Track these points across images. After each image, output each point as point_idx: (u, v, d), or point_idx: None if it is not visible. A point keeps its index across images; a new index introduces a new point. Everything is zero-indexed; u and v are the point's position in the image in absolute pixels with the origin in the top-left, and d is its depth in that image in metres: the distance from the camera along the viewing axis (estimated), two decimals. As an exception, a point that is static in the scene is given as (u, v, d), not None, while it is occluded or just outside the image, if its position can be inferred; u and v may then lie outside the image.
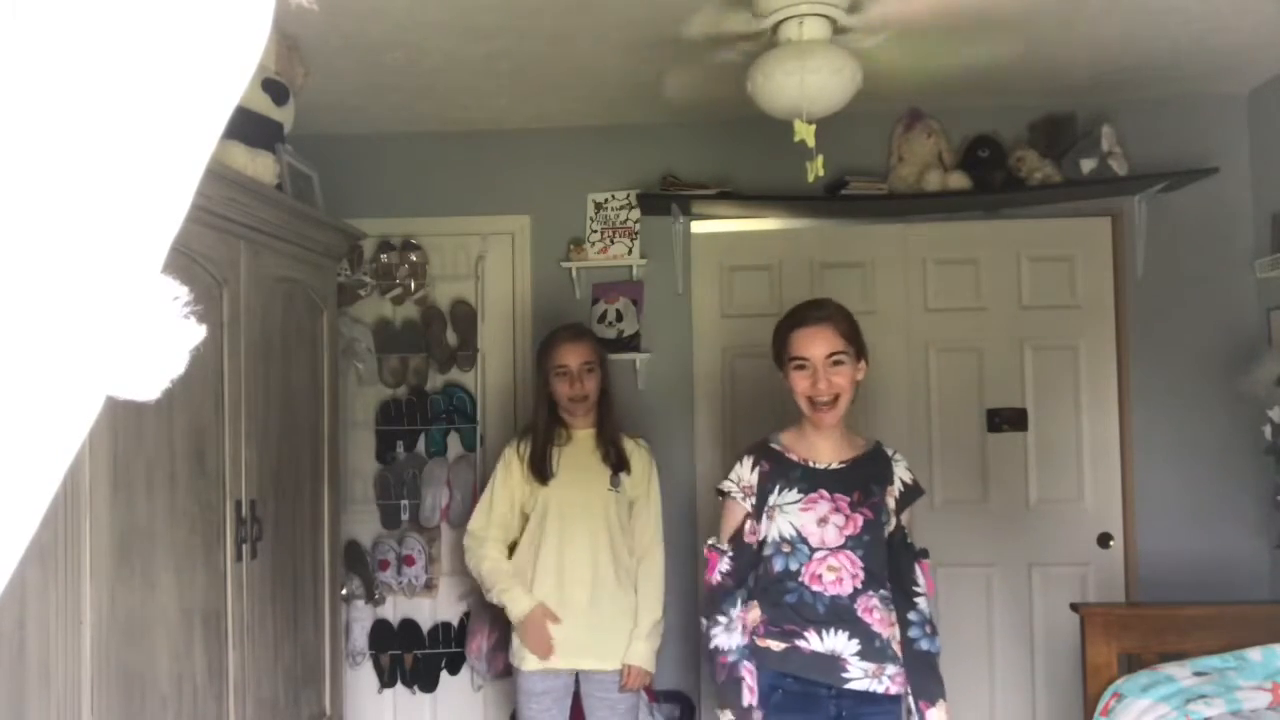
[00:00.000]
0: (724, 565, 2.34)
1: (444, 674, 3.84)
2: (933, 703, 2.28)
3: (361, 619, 3.81)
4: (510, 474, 3.01)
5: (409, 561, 3.79)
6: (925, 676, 2.30)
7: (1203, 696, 2.68)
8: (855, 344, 2.38)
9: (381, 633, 3.85)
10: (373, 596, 3.81)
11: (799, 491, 2.33)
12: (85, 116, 0.35)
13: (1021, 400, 3.83)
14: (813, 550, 2.29)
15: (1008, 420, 3.84)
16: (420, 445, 3.90)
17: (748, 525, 2.35)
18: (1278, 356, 3.38)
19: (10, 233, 0.34)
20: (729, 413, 3.89)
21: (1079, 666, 3.05)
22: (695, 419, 3.86)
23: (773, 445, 2.43)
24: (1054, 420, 3.82)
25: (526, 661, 2.92)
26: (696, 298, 3.89)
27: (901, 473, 2.43)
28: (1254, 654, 2.79)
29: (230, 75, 0.39)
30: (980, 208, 3.81)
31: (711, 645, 2.31)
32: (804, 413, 2.38)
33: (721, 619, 2.31)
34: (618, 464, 2.97)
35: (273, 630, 2.70)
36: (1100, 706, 2.84)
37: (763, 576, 2.33)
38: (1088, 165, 3.55)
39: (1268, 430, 3.36)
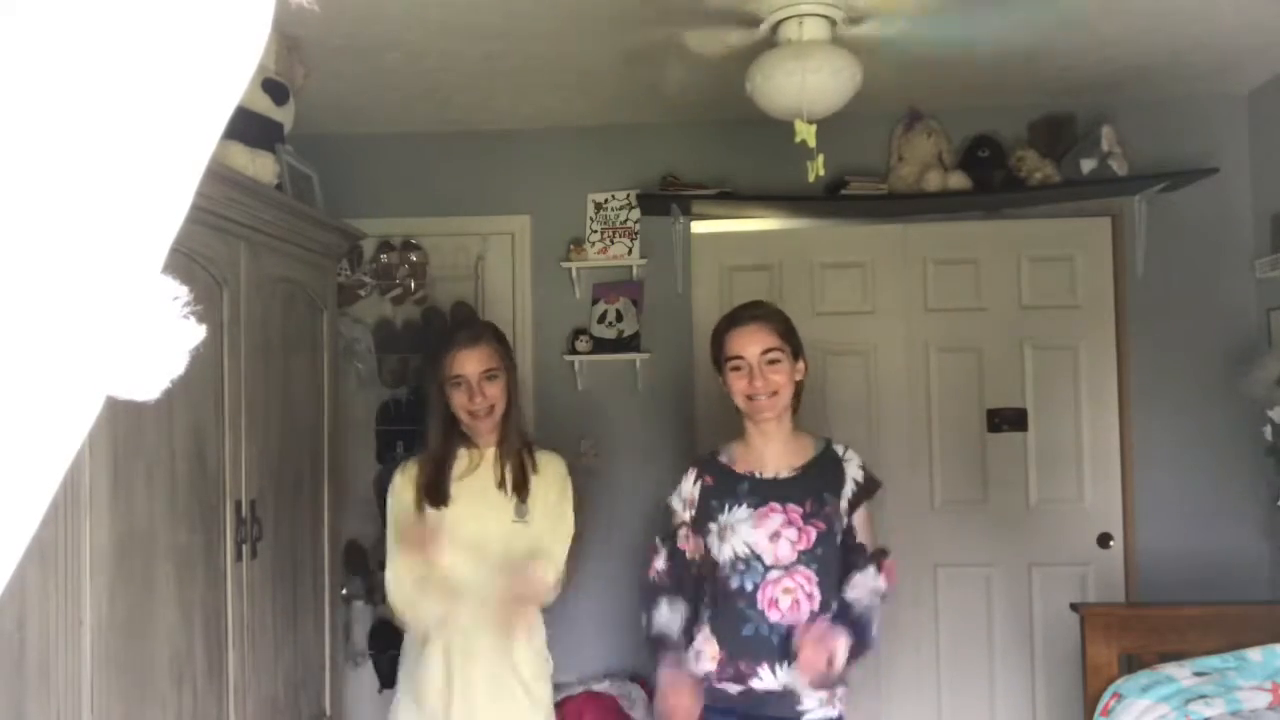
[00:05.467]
0: (660, 562, 2.37)
1: (444, 674, 3.83)
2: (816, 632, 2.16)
3: (361, 619, 3.81)
4: (402, 511, 2.50)
5: (409, 561, 3.78)
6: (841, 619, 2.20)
7: (1203, 696, 2.68)
8: (791, 343, 2.32)
9: (382, 633, 3.84)
10: (373, 597, 3.80)
11: (749, 506, 2.29)
12: (85, 116, 0.35)
13: (1021, 400, 3.83)
14: (767, 568, 2.25)
15: (1008, 420, 3.84)
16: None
17: (681, 532, 2.36)
18: (1278, 356, 3.38)
19: (10, 233, 0.34)
20: (729, 414, 3.88)
21: (1079, 666, 3.05)
22: (695, 420, 3.85)
23: (719, 458, 2.40)
24: (1054, 420, 3.82)
25: None
26: (696, 298, 3.89)
27: (854, 472, 2.36)
28: (1254, 654, 2.79)
29: (230, 75, 0.39)
30: (980, 208, 3.81)
31: (654, 632, 2.31)
32: (744, 413, 2.35)
33: (662, 602, 2.32)
34: (519, 486, 2.47)
35: (273, 630, 2.70)
36: (1100, 706, 2.84)
37: (719, 596, 2.30)
38: (1088, 165, 3.55)
39: (1268, 430, 3.36)
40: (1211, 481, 3.68)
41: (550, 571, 2.44)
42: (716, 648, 2.28)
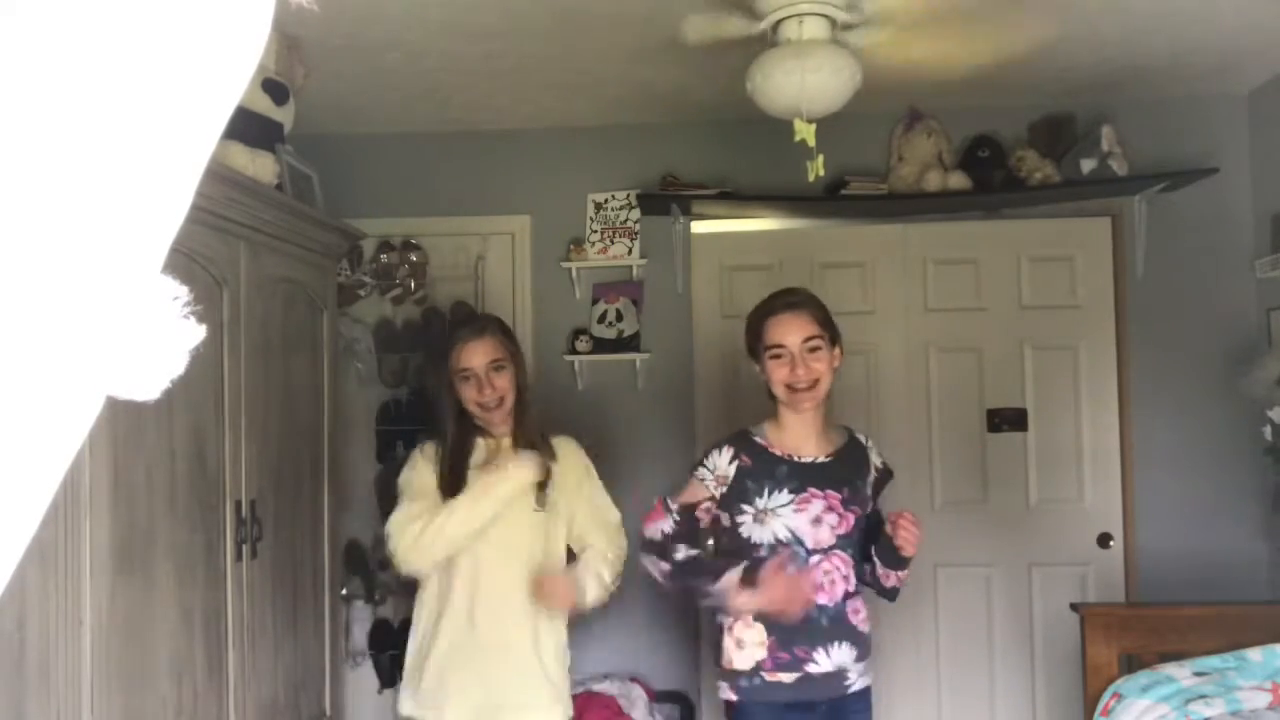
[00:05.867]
0: (666, 526, 2.30)
1: (444, 674, 3.83)
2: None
3: (361, 619, 3.81)
4: (421, 476, 2.51)
5: (409, 561, 3.78)
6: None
7: (1203, 696, 2.68)
8: (830, 330, 2.32)
9: (381, 633, 3.84)
10: (373, 597, 3.81)
11: (789, 492, 2.28)
12: (85, 116, 0.35)
13: (1021, 400, 3.83)
14: (809, 552, 2.26)
15: (1008, 420, 3.84)
16: (420, 445, 3.89)
17: (704, 505, 2.32)
18: (1278, 356, 3.38)
19: (10, 233, 0.34)
20: (729, 414, 3.89)
21: (1079, 666, 3.05)
22: (695, 419, 3.85)
23: (755, 438, 2.35)
24: (1054, 420, 3.82)
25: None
26: (696, 298, 3.89)
27: (875, 459, 2.44)
28: (1254, 654, 2.79)
29: (230, 75, 0.38)
30: (980, 208, 3.81)
31: (683, 558, 2.28)
32: (782, 401, 2.32)
33: (680, 546, 2.29)
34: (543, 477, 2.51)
35: (273, 630, 2.70)
36: (1100, 706, 2.84)
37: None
38: (1088, 165, 3.55)
39: (1268, 430, 3.36)
40: (1211, 481, 3.67)
41: (615, 548, 2.53)
42: (764, 634, 2.25)
